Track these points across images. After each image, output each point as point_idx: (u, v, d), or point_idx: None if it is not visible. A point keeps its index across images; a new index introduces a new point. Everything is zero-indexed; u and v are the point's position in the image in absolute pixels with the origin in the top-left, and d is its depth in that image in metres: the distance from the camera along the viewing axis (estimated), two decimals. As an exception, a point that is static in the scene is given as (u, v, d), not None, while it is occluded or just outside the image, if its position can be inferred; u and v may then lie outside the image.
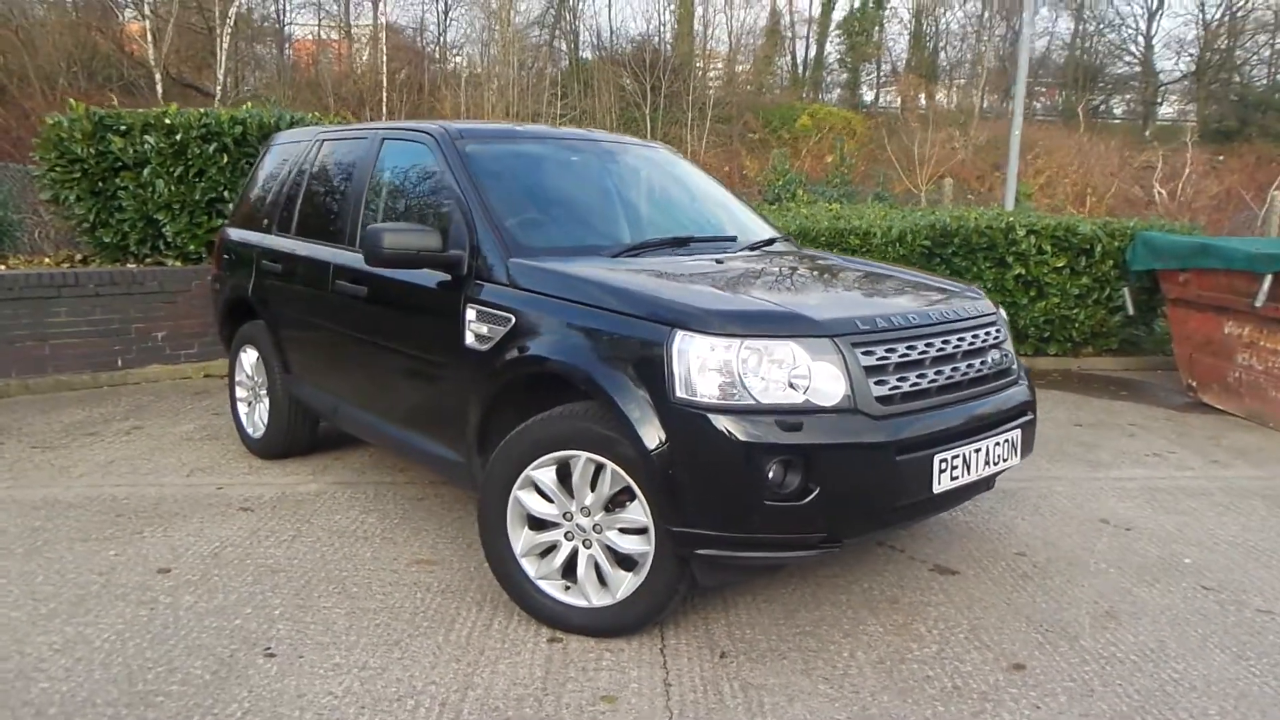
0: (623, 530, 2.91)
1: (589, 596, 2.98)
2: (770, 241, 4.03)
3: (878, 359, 2.76)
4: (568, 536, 3.00)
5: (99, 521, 3.99)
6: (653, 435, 2.66)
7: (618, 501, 2.92)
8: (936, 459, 2.76)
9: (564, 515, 2.98)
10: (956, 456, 2.84)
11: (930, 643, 3.02)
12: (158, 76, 21.61)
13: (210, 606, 3.20)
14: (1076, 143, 26.36)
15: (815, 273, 3.57)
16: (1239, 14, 31.25)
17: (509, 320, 3.11)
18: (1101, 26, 32.94)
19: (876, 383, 2.73)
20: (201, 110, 7.38)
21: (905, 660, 2.90)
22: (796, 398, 2.62)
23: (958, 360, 3.01)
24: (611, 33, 32.01)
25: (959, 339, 3.03)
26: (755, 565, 3.04)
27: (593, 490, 2.92)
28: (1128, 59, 32.93)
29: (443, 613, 3.17)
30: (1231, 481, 4.76)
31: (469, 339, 3.27)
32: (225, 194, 7.27)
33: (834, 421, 2.62)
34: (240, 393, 5.07)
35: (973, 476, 2.91)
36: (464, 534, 3.87)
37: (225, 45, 22.83)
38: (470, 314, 3.27)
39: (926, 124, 26.53)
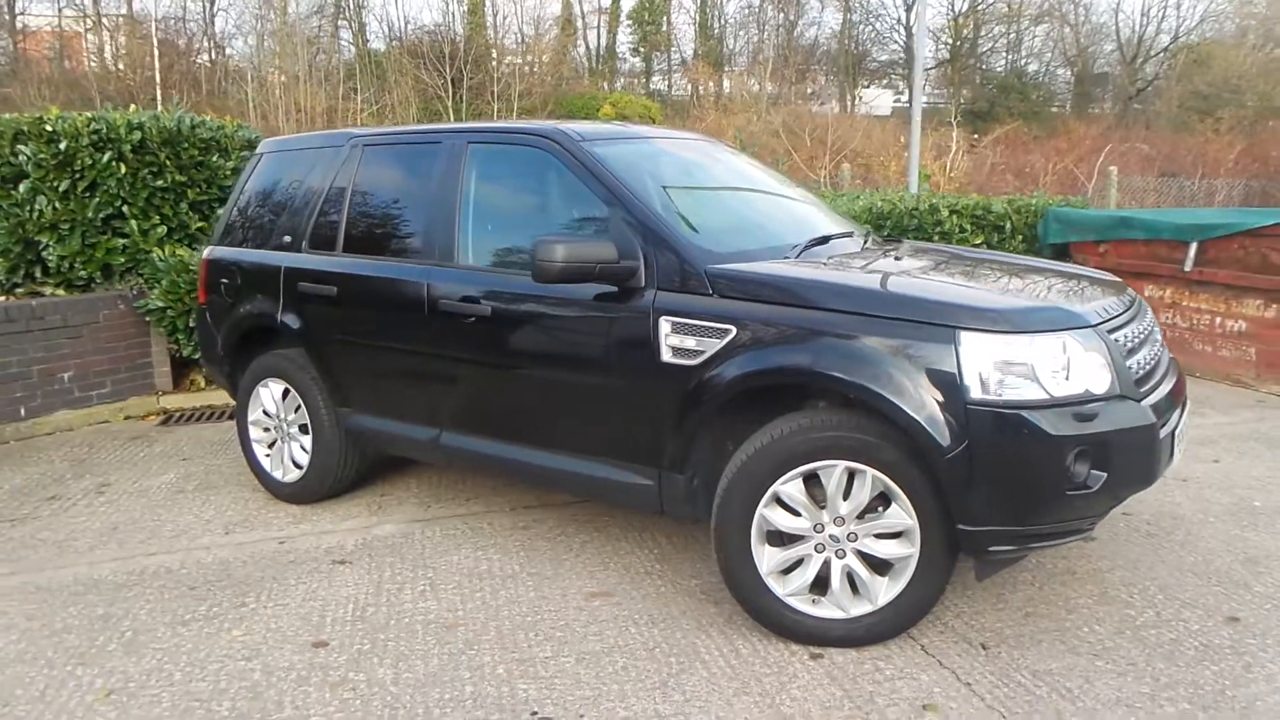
0: (877, 536, 2.88)
1: (845, 607, 2.92)
2: (870, 235, 4.08)
3: (1121, 347, 2.88)
4: (818, 549, 2.93)
5: (176, 598, 3.43)
6: (948, 438, 2.64)
7: (869, 507, 2.88)
8: (1175, 435, 2.94)
9: (814, 527, 2.91)
10: (1179, 432, 3.03)
11: (1142, 608, 3.20)
12: None
13: (420, 676, 2.85)
14: (857, 125, 28.35)
15: (981, 265, 3.60)
16: (979, 6, 34.73)
17: (727, 332, 2.97)
18: (868, 16, 35.52)
19: (1127, 369, 2.85)
20: (89, 115, 6.42)
21: (1139, 627, 3.06)
22: (1080, 388, 2.69)
23: (1150, 343, 3.19)
24: (405, 23, 30.77)
25: (1144, 324, 3.22)
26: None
27: (844, 499, 2.86)
28: (892, 47, 35.73)
29: (675, 645, 3.00)
30: (1222, 428, 5.35)
31: (666, 354, 3.09)
32: (125, 209, 6.37)
33: (1114, 408, 2.72)
34: (256, 433, 4.49)
35: (1182, 449, 3.11)
36: (609, 560, 3.66)
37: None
38: (665, 327, 3.09)
39: (723, 110, 27.57)
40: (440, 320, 3.66)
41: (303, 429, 4.31)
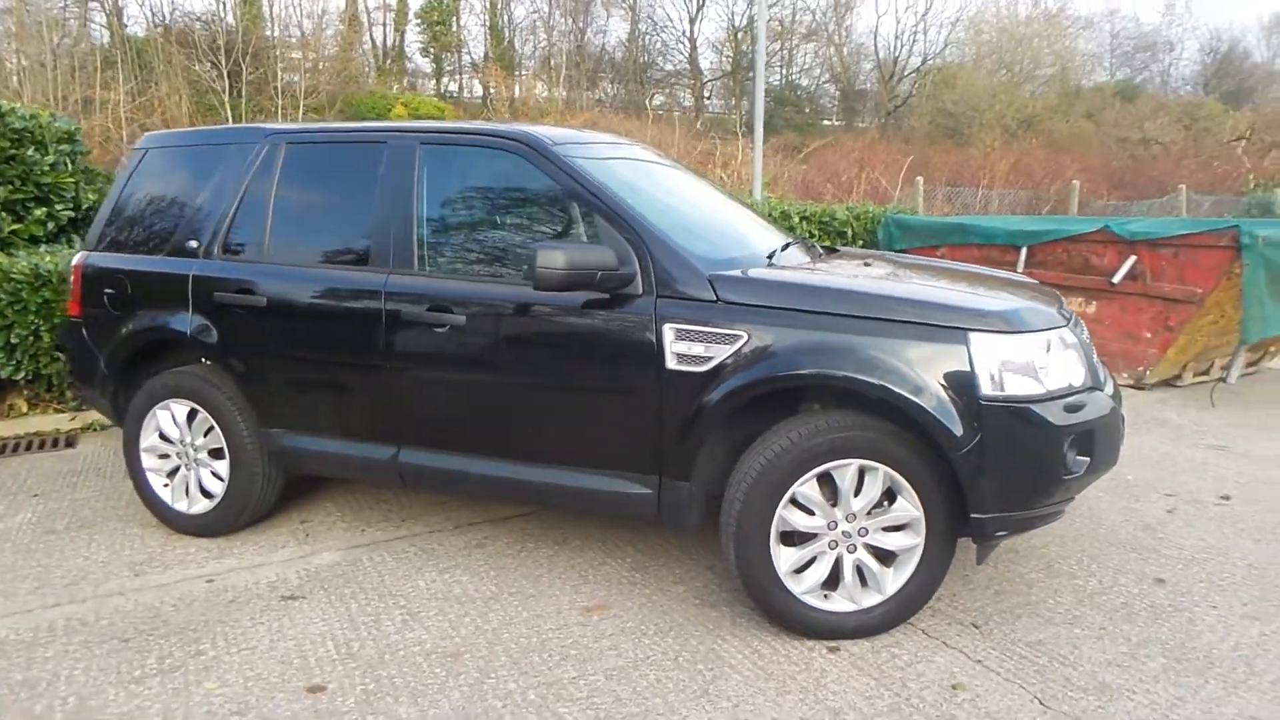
0: (885, 529, 3.03)
1: (857, 599, 3.04)
2: (813, 243, 4.26)
3: (1081, 344, 3.19)
4: (830, 545, 3.03)
5: (111, 653, 3.01)
6: (964, 432, 2.82)
7: (877, 502, 3.02)
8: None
9: (828, 525, 3.01)
10: (1120, 417, 3.39)
11: (1085, 577, 3.55)
12: None
13: (447, 712, 2.68)
14: (648, 132, 29.17)
15: (945, 273, 3.80)
16: (756, 22, 36.64)
17: (737, 338, 3.01)
18: (655, 27, 36.55)
19: (1092, 363, 3.17)
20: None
21: (1091, 594, 3.40)
22: (1064, 382, 2.96)
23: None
24: (170, 9, 28.18)
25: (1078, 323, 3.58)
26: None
27: (855, 496, 2.99)
28: (678, 58, 36.97)
29: (696, 652, 3.00)
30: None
31: (671, 361, 3.08)
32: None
33: (1092, 398, 3.01)
34: (152, 461, 4.01)
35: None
36: (587, 573, 3.60)
37: None
38: (669, 334, 3.08)
39: (516, 115, 27.46)
40: (401, 331, 3.44)
41: (214, 454, 3.90)
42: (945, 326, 2.88)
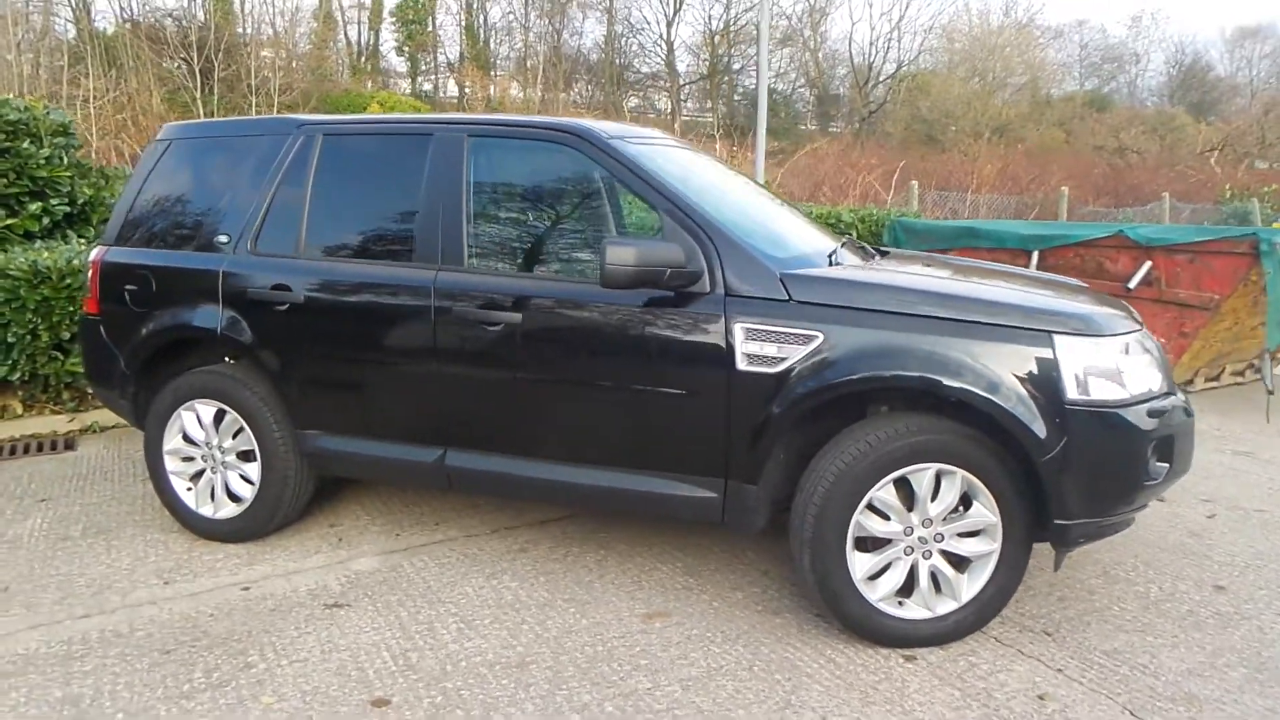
0: (960, 535, 2.96)
1: (932, 606, 2.97)
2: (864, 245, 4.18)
3: (1156, 349, 3.14)
4: (906, 551, 2.95)
5: (153, 666, 2.86)
6: (1049, 437, 2.76)
7: (953, 508, 2.95)
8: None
9: (904, 530, 2.93)
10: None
11: (1145, 584, 3.51)
12: None
13: (525, 726, 2.56)
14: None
15: (1011, 277, 3.74)
16: (732, 26, 36.78)
17: (813, 338, 2.92)
18: (632, 29, 36.49)
19: (1167, 367, 3.12)
20: None
21: (1155, 602, 3.36)
22: (1145, 387, 2.91)
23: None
24: (142, 4, 27.56)
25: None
26: None
27: (931, 501, 2.92)
28: (654, 61, 36.95)
29: (770, 661, 2.91)
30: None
31: (742, 362, 2.99)
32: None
33: (1172, 403, 2.96)
34: (175, 464, 3.84)
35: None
36: (639, 578, 3.49)
37: None
38: (739, 334, 2.99)
39: (493, 114, 27.15)
40: (451, 329, 3.31)
41: (244, 456, 3.74)
42: (1029, 329, 2.81)
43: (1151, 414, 2.85)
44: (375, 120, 3.79)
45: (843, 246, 3.64)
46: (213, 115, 24.12)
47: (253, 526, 3.76)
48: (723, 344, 3.00)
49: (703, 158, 4.05)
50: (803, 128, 35.21)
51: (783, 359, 2.95)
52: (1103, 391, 2.79)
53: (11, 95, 6.19)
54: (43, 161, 5.86)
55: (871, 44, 39.85)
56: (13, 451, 5.16)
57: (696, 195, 3.23)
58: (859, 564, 2.93)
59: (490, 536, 3.88)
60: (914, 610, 2.98)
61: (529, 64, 33.43)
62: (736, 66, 36.75)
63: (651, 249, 2.95)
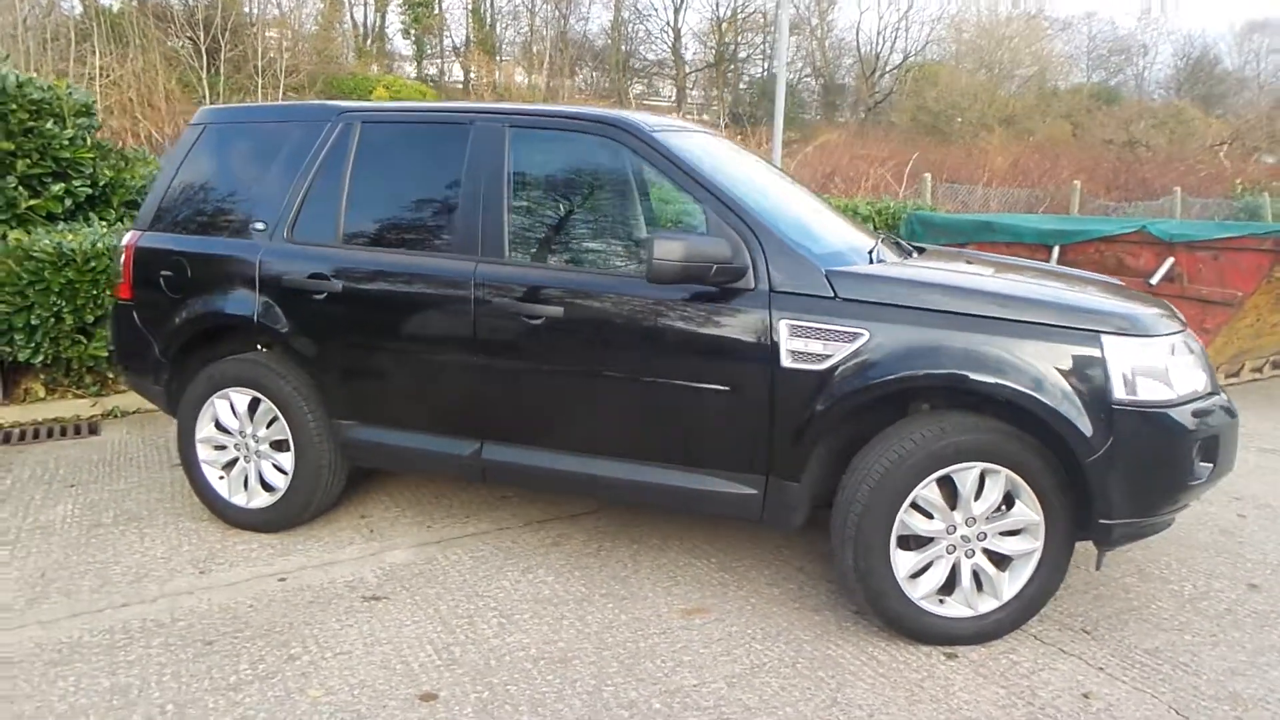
0: (1002, 534, 2.96)
1: (974, 604, 2.97)
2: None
3: (1200, 349, 3.14)
4: (949, 550, 2.95)
5: (198, 657, 2.86)
6: (1096, 436, 2.75)
7: (996, 506, 2.95)
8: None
9: (947, 529, 2.93)
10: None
11: (1180, 582, 3.52)
12: None
13: (573, 721, 2.57)
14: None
15: (1048, 275, 3.72)
16: (740, 14, 36.59)
17: (858, 335, 2.91)
18: (639, 16, 36.32)
19: (1210, 368, 3.11)
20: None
21: (1191, 600, 3.37)
22: (1190, 388, 2.90)
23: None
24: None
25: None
26: None
27: (975, 499, 2.92)
28: (661, 48, 36.79)
29: (812, 659, 2.92)
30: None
31: (786, 359, 2.98)
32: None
33: (1216, 403, 2.96)
34: (207, 453, 3.84)
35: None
36: (675, 573, 3.50)
37: None
38: (784, 330, 2.98)
39: (500, 99, 27.07)
40: (491, 320, 3.31)
41: (278, 446, 3.74)
42: (1077, 329, 2.81)
43: (1197, 414, 2.85)
44: (415, 109, 3.78)
45: (881, 243, 3.63)
46: (219, 96, 24.07)
47: (286, 517, 3.76)
48: (767, 340, 2.99)
49: (741, 151, 4.03)
50: (807, 117, 35.06)
51: (828, 356, 2.94)
52: (1150, 392, 2.79)
53: (34, 74, 6.13)
54: (66, 142, 5.82)
55: (879, 33, 39.64)
56: (36, 435, 5.17)
57: (740, 189, 3.21)
58: (902, 562, 2.93)
59: (522, 530, 3.88)
60: (956, 608, 2.98)
61: (535, 49, 33.28)
62: (743, 55, 36.60)
63: (699, 244, 2.94)
